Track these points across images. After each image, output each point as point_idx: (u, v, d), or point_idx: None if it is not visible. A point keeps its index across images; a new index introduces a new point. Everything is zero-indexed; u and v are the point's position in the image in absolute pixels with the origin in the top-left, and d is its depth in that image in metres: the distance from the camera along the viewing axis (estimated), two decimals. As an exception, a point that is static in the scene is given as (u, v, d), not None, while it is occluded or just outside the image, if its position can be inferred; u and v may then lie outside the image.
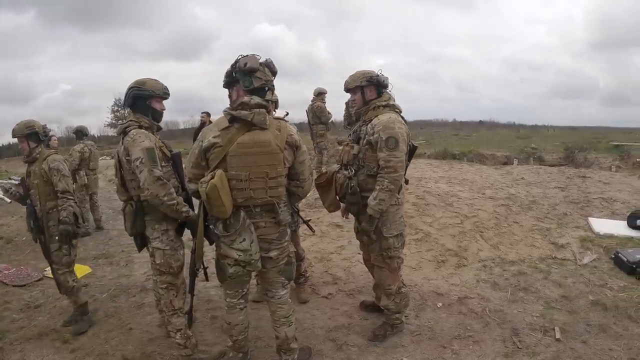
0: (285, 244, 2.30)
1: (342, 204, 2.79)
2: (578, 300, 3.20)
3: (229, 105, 2.28)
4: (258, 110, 2.10)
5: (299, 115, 8.86)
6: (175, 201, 2.38)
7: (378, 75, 2.59)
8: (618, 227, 4.57)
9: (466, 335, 2.78)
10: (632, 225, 4.55)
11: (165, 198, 2.34)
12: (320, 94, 7.53)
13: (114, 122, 38.28)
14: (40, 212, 3.16)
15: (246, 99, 2.11)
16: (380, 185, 2.48)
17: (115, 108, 38.09)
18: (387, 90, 2.66)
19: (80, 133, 6.33)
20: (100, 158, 7.39)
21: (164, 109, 2.66)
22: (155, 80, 2.58)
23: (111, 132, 36.09)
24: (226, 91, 2.54)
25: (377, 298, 3.02)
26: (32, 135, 3.14)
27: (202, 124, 7.86)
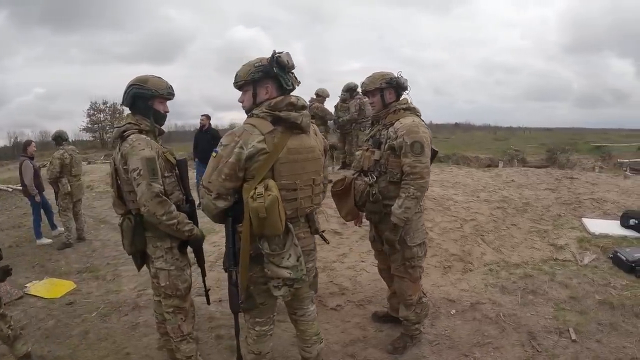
0: (316, 254, 2.20)
1: (360, 213, 2.75)
2: (586, 301, 3.33)
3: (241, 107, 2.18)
4: (305, 112, 1.98)
5: None
6: (175, 220, 2.21)
7: (398, 77, 2.58)
8: (612, 227, 4.79)
9: (485, 342, 2.83)
10: (625, 224, 4.77)
11: (164, 217, 2.16)
12: (319, 96, 7.51)
13: (89, 126, 37.24)
14: None
15: (293, 99, 1.96)
16: (406, 192, 2.42)
17: (91, 112, 37.23)
18: (406, 93, 2.65)
19: (60, 138, 6.14)
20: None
21: (168, 111, 2.46)
22: (159, 78, 2.38)
23: (86, 136, 35.26)
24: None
25: (392, 309, 3.04)
26: None
27: (202, 127, 7.73)
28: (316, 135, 2.07)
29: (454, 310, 3.22)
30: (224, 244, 3.44)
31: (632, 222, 4.71)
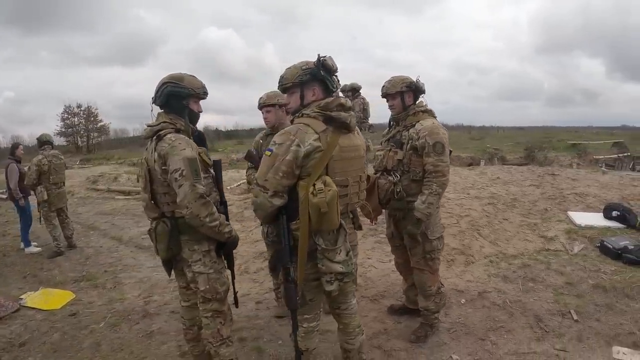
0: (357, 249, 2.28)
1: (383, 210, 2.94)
2: (581, 285, 3.68)
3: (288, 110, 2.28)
4: (352, 112, 2.08)
5: (247, 121, 9.01)
6: (217, 222, 2.23)
7: (417, 82, 2.78)
8: (596, 219, 5.21)
9: (497, 326, 3.10)
10: (607, 216, 5.21)
11: (207, 219, 2.18)
12: None
13: (63, 130, 36.14)
14: None
15: (342, 100, 2.07)
16: (429, 189, 2.64)
17: (65, 116, 36.23)
18: (422, 96, 2.86)
19: (40, 142, 6.03)
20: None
21: (201, 111, 2.46)
22: (193, 76, 2.38)
23: (60, 140, 34.28)
24: None
25: (409, 301, 3.27)
26: None
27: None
28: (358, 134, 2.19)
29: (463, 300, 3.49)
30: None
31: (614, 213, 5.14)
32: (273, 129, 3.20)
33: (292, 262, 2.02)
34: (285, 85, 2.12)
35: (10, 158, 6.06)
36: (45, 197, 5.81)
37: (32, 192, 6.13)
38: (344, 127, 2.05)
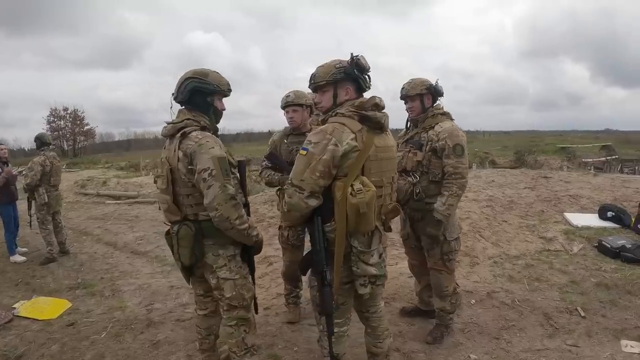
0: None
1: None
2: (584, 284, 3.83)
3: (316, 110, 2.29)
4: (385, 112, 2.07)
5: (233, 125, 9.02)
6: (247, 225, 2.14)
7: (436, 85, 2.84)
8: (591, 220, 5.39)
9: (509, 325, 3.21)
10: (603, 217, 5.39)
11: (237, 222, 2.09)
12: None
13: (49, 133, 35.60)
14: None
15: (377, 99, 2.05)
16: (449, 190, 2.71)
17: (51, 119, 35.62)
18: (440, 99, 2.91)
19: (40, 141, 5.89)
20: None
21: (225, 109, 2.37)
22: (217, 72, 2.27)
23: None
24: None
25: (422, 302, 3.33)
26: None
27: None
28: (390, 135, 2.18)
29: (473, 300, 3.58)
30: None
31: (609, 214, 5.33)
32: (296, 130, 3.20)
33: (328, 265, 1.98)
34: (319, 84, 2.09)
35: None
36: (46, 199, 5.68)
37: (18, 197, 5.98)
38: (378, 127, 2.03)
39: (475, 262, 4.34)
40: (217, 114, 2.32)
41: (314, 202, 1.93)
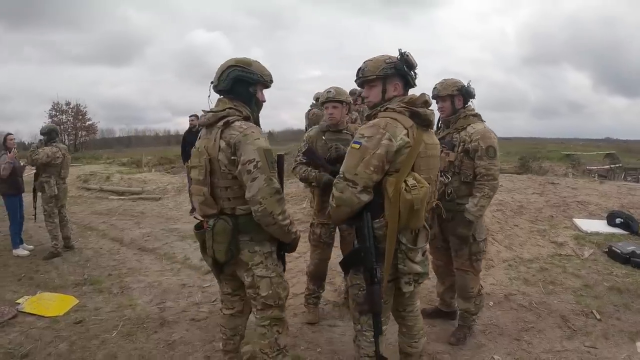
0: None
1: None
2: (597, 287, 3.93)
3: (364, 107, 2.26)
4: (433, 110, 2.08)
5: None
6: (289, 221, 2.09)
7: (468, 86, 2.88)
8: (600, 226, 5.51)
9: (528, 327, 3.28)
10: (611, 223, 5.52)
11: (280, 217, 2.02)
12: (319, 100, 7.55)
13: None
14: None
15: (427, 97, 2.06)
16: (481, 192, 2.75)
17: (53, 113, 35.42)
18: (471, 100, 2.94)
19: (54, 133, 5.89)
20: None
21: (265, 101, 2.29)
22: (259, 62, 2.21)
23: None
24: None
25: (443, 303, 3.38)
26: None
27: (191, 128, 7.71)
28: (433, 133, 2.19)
29: (491, 302, 3.64)
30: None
31: (617, 220, 5.45)
32: (333, 126, 3.20)
33: (378, 262, 1.95)
34: (368, 78, 2.08)
35: (2, 150, 5.79)
36: (56, 191, 5.65)
37: (24, 189, 5.96)
38: (426, 124, 2.04)
39: (491, 265, 4.41)
40: (259, 105, 2.26)
41: (366, 197, 1.91)
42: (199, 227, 2.27)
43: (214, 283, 4.40)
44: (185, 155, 7.91)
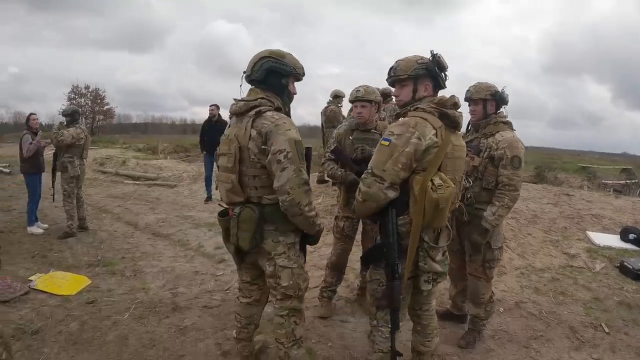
0: None
1: None
2: (607, 301, 3.95)
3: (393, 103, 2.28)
4: (462, 112, 2.12)
5: None
6: (314, 212, 2.12)
7: (502, 92, 2.86)
8: (613, 240, 5.49)
9: (537, 335, 3.32)
10: (624, 239, 5.49)
11: (306, 208, 2.05)
12: (337, 97, 7.58)
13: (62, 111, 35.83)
14: None
15: (456, 98, 2.10)
16: (501, 201, 2.74)
17: (72, 95, 35.86)
18: (504, 107, 2.92)
19: (77, 114, 6.05)
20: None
21: (296, 93, 2.32)
22: (292, 55, 2.24)
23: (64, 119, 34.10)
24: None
25: (455, 306, 3.41)
26: None
27: (211, 118, 7.81)
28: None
29: (502, 309, 3.69)
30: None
31: (631, 236, 5.43)
32: (362, 125, 3.22)
33: (400, 258, 2.00)
34: (400, 77, 2.12)
35: (27, 130, 5.97)
36: (79, 172, 5.79)
37: (45, 168, 6.09)
38: (454, 126, 2.09)
39: (503, 272, 4.44)
40: (290, 97, 2.29)
41: (392, 194, 1.96)
42: (223, 214, 2.30)
43: (227, 272, 4.52)
44: (204, 144, 7.98)
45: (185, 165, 12.31)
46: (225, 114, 7.86)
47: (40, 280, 4.16)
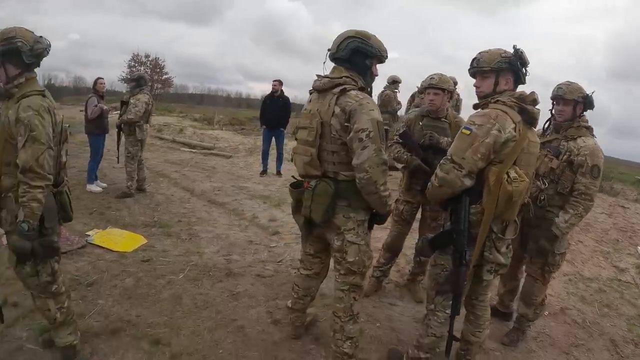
0: None
1: None
2: (651, 320, 3.92)
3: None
4: (540, 109, 2.14)
5: (303, 95, 9.03)
6: (388, 192, 2.18)
7: (591, 96, 2.77)
8: (664, 259, 5.32)
9: (579, 343, 3.36)
10: (675, 259, 5.31)
11: (382, 188, 2.12)
12: (394, 82, 7.67)
13: (128, 77, 37.34)
14: None
15: (536, 95, 2.11)
16: (575, 210, 2.68)
17: (132, 63, 37.59)
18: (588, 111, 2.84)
19: (143, 80, 6.27)
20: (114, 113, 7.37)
21: (377, 75, 2.35)
22: (376, 37, 2.26)
23: (122, 87, 34.64)
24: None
25: (502, 304, 3.46)
26: (9, 54, 2.05)
27: (273, 93, 7.91)
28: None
29: (547, 312, 3.70)
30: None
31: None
32: (433, 113, 3.24)
33: (469, 246, 2.05)
34: (483, 69, 2.16)
35: (92, 92, 6.26)
36: (145, 136, 6.08)
37: (109, 130, 6.39)
38: (531, 122, 2.12)
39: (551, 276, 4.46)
40: (372, 78, 2.33)
41: (468, 182, 2.01)
42: (296, 185, 2.40)
43: (281, 244, 4.64)
44: (264, 119, 8.05)
45: (241, 138, 12.40)
46: (287, 91, 7.98)
47: (97, 236, 4.33)
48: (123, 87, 34.41)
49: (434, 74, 3.22)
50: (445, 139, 3.14)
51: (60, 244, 2.34)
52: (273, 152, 8.47)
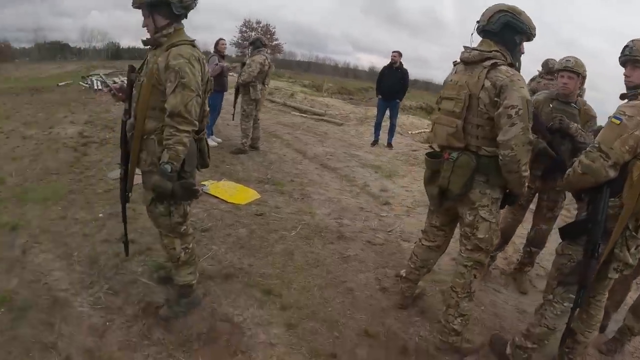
0: None
1: None
2: None
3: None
4: None
5: (411, 71, 8.29)
6: (527, 173, 2.15)
7: None
8: None
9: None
10: None
11: (523, 167, 2.10)
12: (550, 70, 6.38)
13: (240, 42, 40.08)
14: (131, 132, 2.24)
15: None
16: None
17: (244, 29, 40.38)
18: None
19: (259, 42, 6.28)
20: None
21: (524, 53, 2.32)
22: (526, 13, 2.21)
23: (234, 51, 37.37)
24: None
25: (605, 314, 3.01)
26: (158, 5, 2.13)
27: (392, 64, 7.65)
28: None
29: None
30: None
31: None
32: (563, 97, 3.07)
33: (603, 238, 1.97)
34: (636, 57, 2.03)
35: (214, 52, 6.40)
36: (259, 96, 6.09)
37: (227, 89, 6.53)
38: None
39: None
40: (518, 57, 2.29)
41: (612, 173, 1.93)
42: (433, 155, 2.38)
43: (391, 215, 4.52)
44: (381, 89, 7.82)
45: (352, 107, 12.34)
46: (406, 63, 7.68)
47: (212, 186, 4.46)
48: (233, 52, 36.14)
49: (570, 57, 3.08)
50: (575, 124, 2.99)
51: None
52: (385, 125, 8.22)
